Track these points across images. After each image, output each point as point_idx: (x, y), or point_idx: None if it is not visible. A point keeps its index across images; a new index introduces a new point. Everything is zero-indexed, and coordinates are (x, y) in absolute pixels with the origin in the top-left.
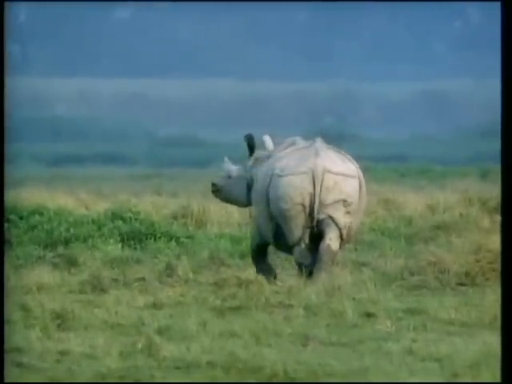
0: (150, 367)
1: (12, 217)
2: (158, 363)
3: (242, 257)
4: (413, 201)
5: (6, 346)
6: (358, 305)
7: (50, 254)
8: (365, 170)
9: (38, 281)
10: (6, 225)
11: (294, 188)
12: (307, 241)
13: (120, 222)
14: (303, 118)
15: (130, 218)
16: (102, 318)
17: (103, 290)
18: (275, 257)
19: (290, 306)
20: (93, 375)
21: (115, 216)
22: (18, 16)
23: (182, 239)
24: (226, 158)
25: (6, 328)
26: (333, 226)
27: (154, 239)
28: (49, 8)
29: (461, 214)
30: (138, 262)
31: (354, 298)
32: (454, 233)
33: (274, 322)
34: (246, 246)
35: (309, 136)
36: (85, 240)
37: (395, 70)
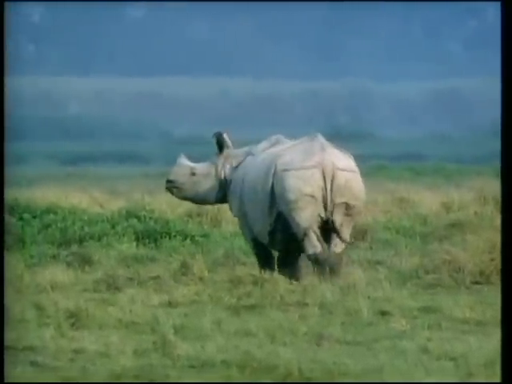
0: (165, 366)
1: (25, 216)
2: (172, 362)
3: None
4: (428, 199)
5: (20, 344)
6: (373, 303)
7: (63, 253)
8: (380, 169)
9: (52, 279)
10: (20, 223)
11: (304, 180)
12: (317, 231)
13: (135, 221)
14: (318, 117)
15: (145, 217)
16: (117, 317)
17: (118, 289)
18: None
19: (305, 304)
20: (107, 374)
21: (130, 215)
22: (32, 15)
23: (196, 238)
24: (182, 154)
25: (20, 327)
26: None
27: (169, 238)
28: (63, 7)
29: (476, 213)
30: (153, 260)
31: (369, 297)
32: (468, 231)
33: (289, 321)
34: None
35: (327, 135)
36: (99, 239)
37: (410, 69)
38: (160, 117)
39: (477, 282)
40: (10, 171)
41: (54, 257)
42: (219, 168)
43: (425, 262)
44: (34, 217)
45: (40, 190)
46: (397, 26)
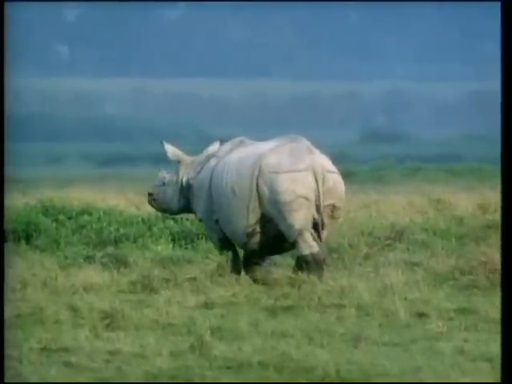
0: (202, 367)
1: (60, 217)
2: (209, 363)
3: (294, 257)
4: (464, 201)
5: (55, 345)
6: (410, 305)
7: (99, 254)
8: (416, 170)
9: (87, 281)
10: (54, 224)
11: (297, 182)
12: (312, 231)
13: (171, 222)
14: (354, 118)
15: (181, 218)
16: (153, 318)
17: (154, 290)
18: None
19: (343, 305)
20: (143, 375)
21: (166, 216)
22: (68, 16)
23: None
24: (161, 169)
25: (54, 328)
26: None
27: (206, 239)
28: (99, 8)
29: None
30: (189, 261)
31: (405, 298)
32: None
33: (326, 322)
34: None
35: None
36: (135, 240)
37: (446, 70)
38: (197, 118)
39: None
40: (44, 172)
41: (88, 258)
42: (180, 175)
43: (461, 263)
44: (69, 218)
45: (75, 191)
46: (433, 27)
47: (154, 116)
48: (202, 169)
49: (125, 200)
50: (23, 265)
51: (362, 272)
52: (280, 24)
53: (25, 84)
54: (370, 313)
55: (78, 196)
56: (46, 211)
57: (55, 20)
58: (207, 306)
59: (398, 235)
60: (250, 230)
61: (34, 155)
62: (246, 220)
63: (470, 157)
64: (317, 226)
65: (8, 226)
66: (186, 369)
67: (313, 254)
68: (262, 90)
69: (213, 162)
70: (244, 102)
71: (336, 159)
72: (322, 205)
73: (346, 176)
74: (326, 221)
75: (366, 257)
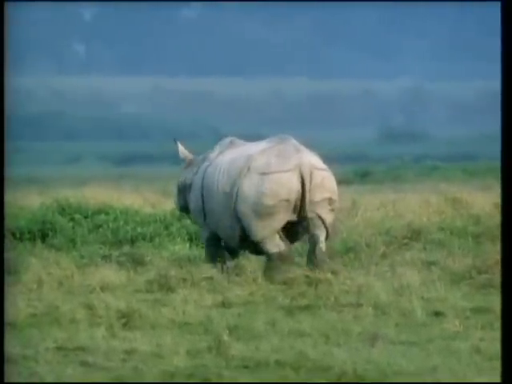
0: (219, 366)
1: (77, 216)
2: (226, 362)
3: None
4: (481, 200)
5: (71, 344)
6: (427, 304)
7: (115, 254)
8: (433, 169)
9: (103, 280)
10: (71, 224)
11: (282, 185)
12: (280, 232)
13: (188, 222)
14: (372, 117)
15: None
16: (170, 317)
17: (170, 289)
18: None
19: (360, 305)
20: (160, 374)
21: (183, 215)
22: (84, 16)
23: None
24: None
25: (71, 327)
26: (322, 226)
27: None
28: (115, 7)
29: None
30: None
31: (422, 297)
32: None
33: (343, 321)
34: None
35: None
36: (151, 239)
37: (463, 69)
38: (214, 117)
39: None
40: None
41: (105, 257)
42: (181, 175)
43: (477, 262)
44: (86, 217)
45: (92, 191)
46: (451, 26)
47: (171, 115)
48: (198, 169)
49: (141, 199)
50: (39, 264)
51: (378, 271)
52: (297, 23)
53: (42, 83)
54: (387, 312)
55: (95, 195)
56: (62, 210)
57: (72, 19)
58: (224, 305)
59: (414, 234)
60: (242, 231)
61: (50, 154)
62: (235, 221)
63: (486, 156)
64: (307, 226)
65: (7, 225)
66: (202, 368)
67: (280, 253)
68: (279, 89)
69: (205, 164)
70: (261, 100)
71: (353, 159)
72: (307, 203)
73: (363, 175)
74: (326, 215)
75: (383, 256)
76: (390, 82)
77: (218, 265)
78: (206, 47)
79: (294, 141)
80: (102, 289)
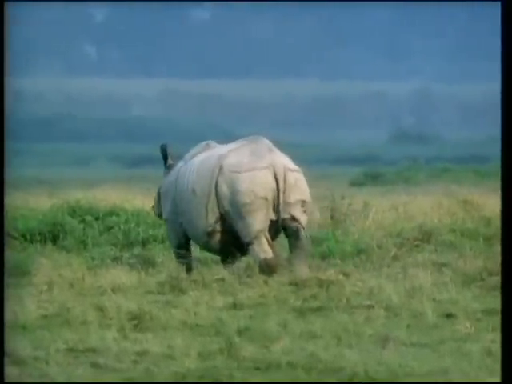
0: (230, 368)
1: (87, 218)
2: (237, 364)
3: (323, 257)
4: (492, 202)
5: (82, 346)
6: (438, 305)
7: (126, 255)
8: (444, 171)
9: (114, 281)
10: (81, 225)
11: (257, 183)
12: (268, 236)
13: None
14: (383, 119)
15: None
16: (181, 319)
17: (182, 291)
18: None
19: (371, 306)
20: (171, 376)
21: None
22: (95, 17)
23: None
24: None
25: (81, 328)
26: (299, 226)
27: None
28: (126, 8)
29: None
30: (217, 262)
31: (434, 299)
32: None
33: (354, 323)
34: (327, 246)
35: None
36: (163, 241)
37: (475, 71)
38: (224, 119)
39: None
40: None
41: (116, 259)
42: (162, 181)
43: (489, 264)
44: (96, 219)
45: (102, 192)
46: (462, 27)
47: (182, 117)
48: (174, 171)
49: (152, 201)
50: (50, 266)
51: (390, 273)
52: (308, 24)
53: (52, 85)
54: (398, 313)
55: (106, 197)
56: (72, 212)
57: (83, 20)
58: (235, 306)
59: (426, 236)
60: (209, 229)
61: (60, 156)
62: (206, 219)
63: (497, 158)
64: (283, 226)
65: (7, 226)
66: (214, 369)
67: (266, 260)
68: (291, 91)
69: (179, 165)
70: (272, 102)
71: (364, 160)
72: (282, 203)
73: (374, 177)
74: (300, 216)
75: (395, 258)
76: (401, 84)
77: (229, 266)
78: (216, 49)
79: (266, 141)
80: (113, 290)
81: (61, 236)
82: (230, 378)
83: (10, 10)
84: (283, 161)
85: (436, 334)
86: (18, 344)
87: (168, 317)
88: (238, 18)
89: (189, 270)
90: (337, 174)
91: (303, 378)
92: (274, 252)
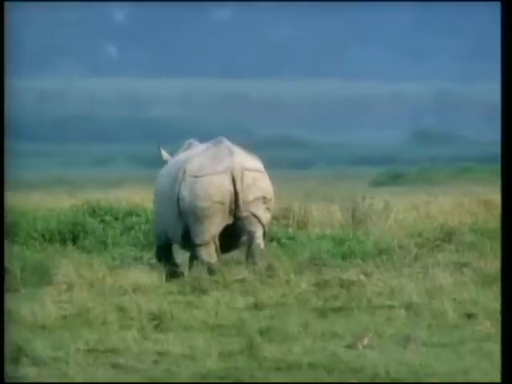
0: (251, 368)
1: (107, 218)
2: (258, 364)
3: (344, 258)
4: None
5: (102, 346)
6: (459, 305)
7: (147, 255)
8: (465, 171)
9: (135, 282)
10: (102, 225)
11: (214, 187)
12: (217, 242)
13: None
14: (404, 118)
15: None
16: (202, 319)
17: (203, 291)
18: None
19: (392, 306)
20: (192, 376)
21: None
22: (117, 17)
23: (282, 240)
24: None
25: (102, 329)
26: (257, 224)
27: None
28: (147, 9)
29: None
30: (239, 263)
31: (454, 299)
32: None
33: (375, 323)
34: (348, 247)
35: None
36: None
37: (495, 70)
38: (246, 119)
39: None
40: (92, 173)
41: (136, 259)
42: None
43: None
44: (116, 219)
45: (123, 192)
46: (482, 27)
47: (203, 117)
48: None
49: None
50: (70, 266)
51: (411, 273)
52: (330, 24)
53: (74, 85)
54: (419, 313)
55: (126, 197)
56: (92, 212)
57: (104, 21)
58: (256, 307)
59: (447, 236)
60: (182, 231)
61: (81, 156)
62: (178, 222)
63: None
64: (241, 225)
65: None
66: (235, 370)
67: (210, 264)
68: (311, 90)
69: (164, 167)
70: (292, 102)
71: (385, 160)
72: (241, 204)
73: (395, 177)
74: (261, 214)
75: (416, 258)
76: (421, 84)
77: (250, 266)
78: (239, 49)
79: (227, 143)
80: (134, 291)
81: (81, 236)
82: (251, 378)
83: (31, 11)
84: (242, 161)
85: (456, 334)
86: (37, 344)
87: (189, 317)
88: (260, 18)
89: (171, 272)
90: (357, 174)
91: (324, 378)
92: (219, 258)
